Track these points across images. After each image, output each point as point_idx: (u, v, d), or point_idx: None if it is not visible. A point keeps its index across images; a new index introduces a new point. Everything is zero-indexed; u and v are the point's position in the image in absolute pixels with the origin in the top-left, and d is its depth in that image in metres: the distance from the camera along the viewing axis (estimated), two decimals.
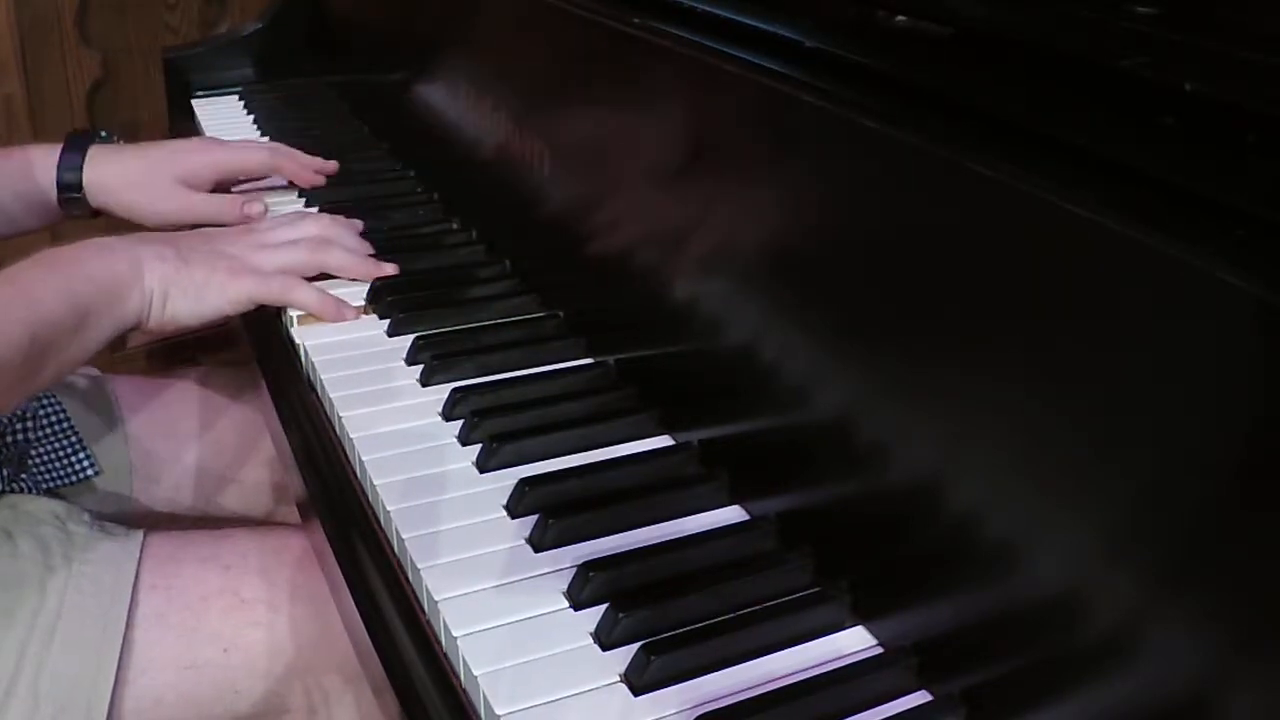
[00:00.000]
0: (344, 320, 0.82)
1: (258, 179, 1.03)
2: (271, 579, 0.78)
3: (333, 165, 1.04)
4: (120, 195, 0.95)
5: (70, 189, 0.93)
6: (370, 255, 0.87)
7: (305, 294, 0.82)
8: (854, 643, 0.53)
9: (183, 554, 0.78)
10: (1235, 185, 0.39)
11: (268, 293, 0.81)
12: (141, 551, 0.76)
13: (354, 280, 0.85)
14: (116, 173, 0.94)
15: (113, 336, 0.76)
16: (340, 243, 0.86)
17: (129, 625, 0.73)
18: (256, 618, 0.76)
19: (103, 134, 0.98)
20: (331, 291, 0.83)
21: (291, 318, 0.82)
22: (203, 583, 0.77)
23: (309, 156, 1.02)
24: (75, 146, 0.93)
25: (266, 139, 1.03)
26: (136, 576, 0.75)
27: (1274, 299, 0.35)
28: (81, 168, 0.93)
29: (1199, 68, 0.43)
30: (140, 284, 0.76)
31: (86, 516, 0.79)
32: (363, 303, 0.84)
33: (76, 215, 0.95)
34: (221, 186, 1.00)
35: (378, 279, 0.85)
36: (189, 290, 0.78)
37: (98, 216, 0.96)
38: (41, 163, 0.93)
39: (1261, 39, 0.45)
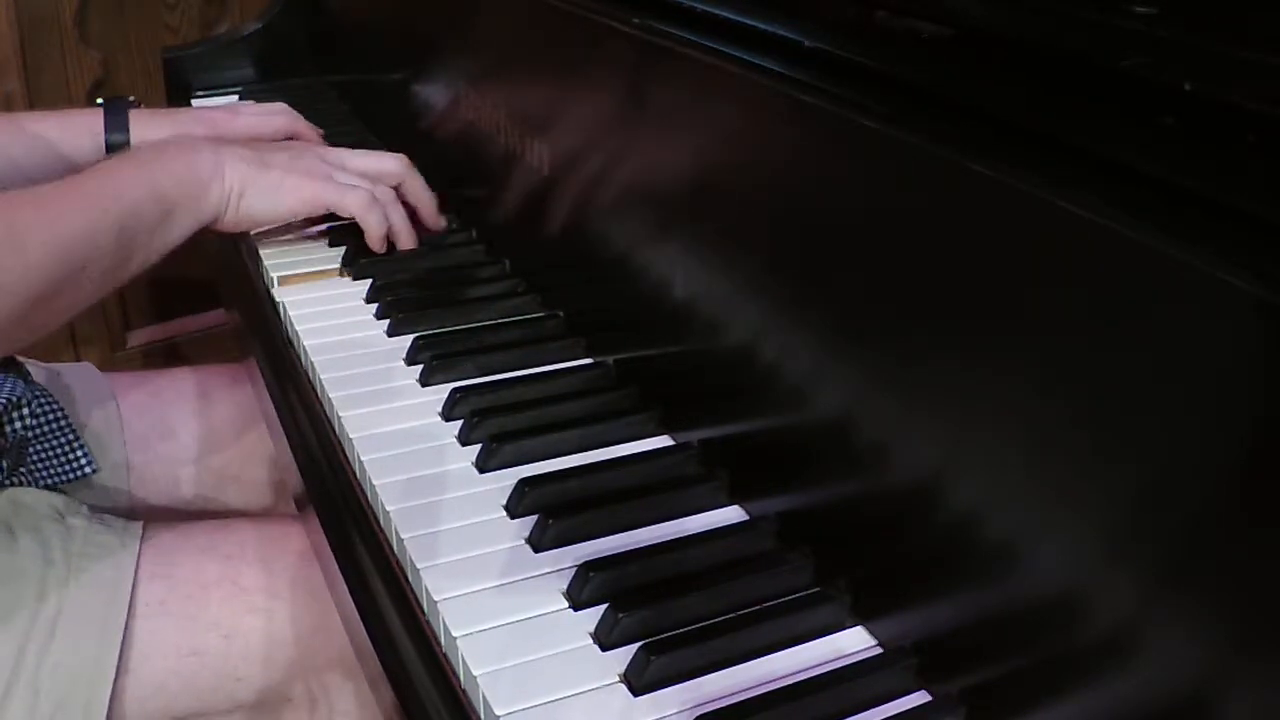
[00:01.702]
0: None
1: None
2: (271, 568, 0.78)
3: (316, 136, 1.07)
4: None
5: (118, 150, 0.94)
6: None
7: (375, 218, 0.86)
8: (854, 643, 0.53)
9: (182, 543, 0.79)
10: (1235, 185, 0.39)
11: (341, 200, 0.85)
12: (141, 542, 0.77)
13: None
14: (166, 135, 0.96)
15: (193, 230, 0.79)
16: (416, 175, 0.91)
17: (129, 615, 0.74)
18: (256, 604, 0.77)
19: (131, 99, 1.00)
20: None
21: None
22: (202, 571, 0.77)
23: (306, 122, 1.06)
24: (117, 110, 0.96)
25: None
26: (136, 566, 0.75)
27: (1274, 299, 0.35)
28: (127, 130, 0.95)
29: (1199, 68, 0.43)
30: (221, 181, 0.80)
31: (85, 509, 0.80)
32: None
33: None
34: None
35: (376, 277, 0.87)
36: (264, 189, 0.82)
37: None
38: (82, 126, 0.94)
39: (1261, 39, 0.45)
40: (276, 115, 1.05)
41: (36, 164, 0.92)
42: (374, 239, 0.87)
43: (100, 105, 0.96)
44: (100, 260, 0.71)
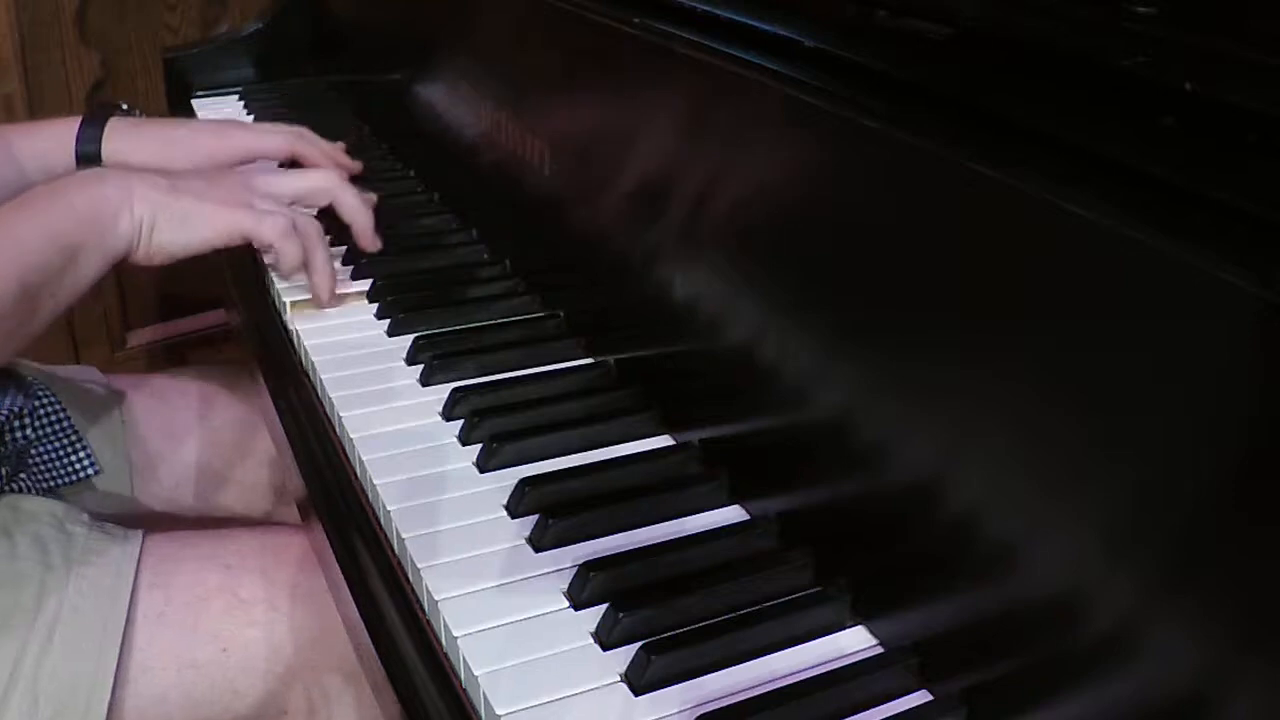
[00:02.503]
0: (329, 297, 0.82)
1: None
2: (271, 578, 0.78)
3: (356, 165, 1.00)
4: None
5: (89, 161, 0.92)
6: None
7: (290, 249, 0.80)
8: (854, 643, 0.53)
9: (182, 553, 0.78)
10: (1235, 185, 0.39)
11: (257, 228, 0.79)
12: (141, 551, 0.76)
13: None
14: (134, 148, 0.93)
15: (105, 269, 0.74)
16: (350, 188, 0.86)
17: (128, 624, 0.73)
18: (256, 617, 0.76)
19: (124, 106, 0.97)
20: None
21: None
22: (202, 582, 0.77)
23: (331, 144, 0.99)
24: (95, 120, 0.93)
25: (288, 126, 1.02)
26: (136, 576, 0.75)
27: (1274, 299, 0.35)
28: (100, 140, 0.92)
29: (1199, 68, 0.43)
30: (130, 211, 0.75)
31: (85, 517, 0.79)
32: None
33: None
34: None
35: (376, 277, 0.86)
36: (176, 218, 0.77)
37: None
38: (63, 135, 0.92)
39: (1261, 39, 0.45)
40: (276, 135, 0.98)
41: (11, 178, 0.89)
42: (284, 268, 0.82)
43: (89, 108, 0.94)
44: (2, 323, 0.66)
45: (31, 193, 0.73)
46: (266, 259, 0.85)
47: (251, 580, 0.77)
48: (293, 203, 0.85)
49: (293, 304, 0.82)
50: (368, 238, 0.87)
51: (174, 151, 0.94)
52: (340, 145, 1.00)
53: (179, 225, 0.77)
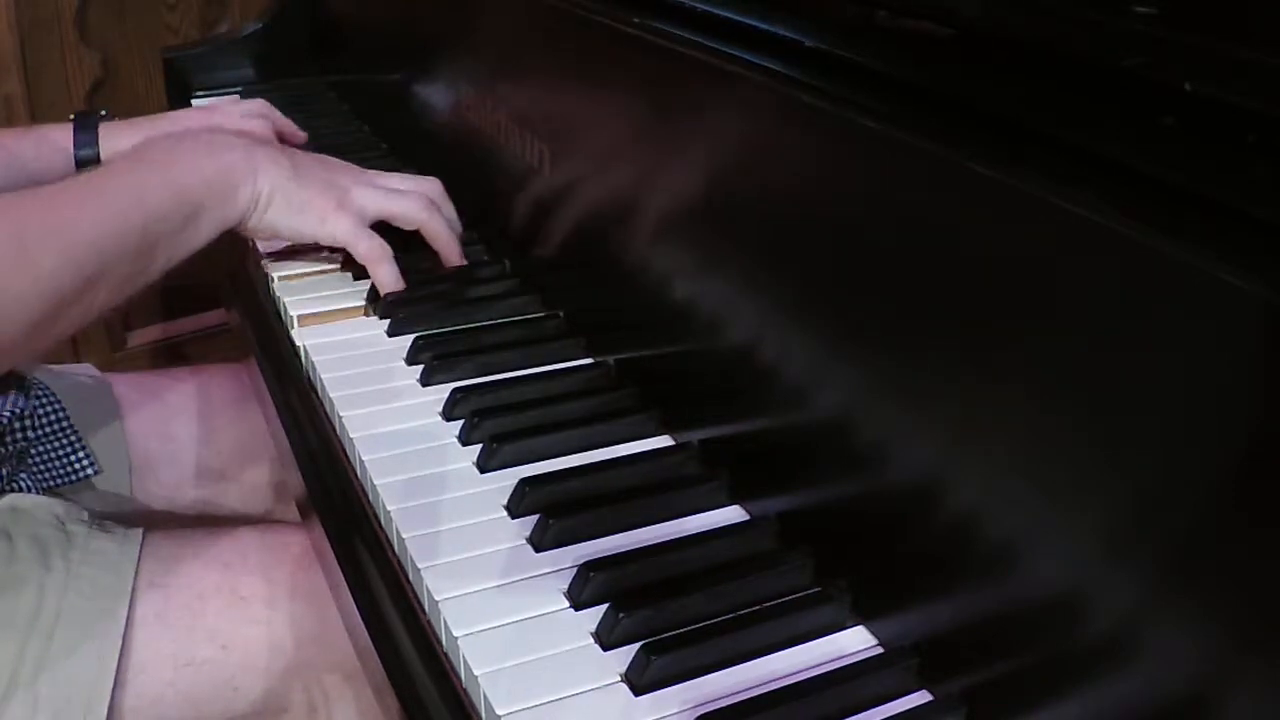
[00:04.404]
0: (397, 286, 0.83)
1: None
2: (270, 577, 0.78)
3: (301, 136, 1.07)
4: None
5: (88, 165, 0.94)
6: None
7: (387, 271, 0.83)
8: (854, 643, 0.53)
9: (181, 552, 0.78)
10: (1235, 185, 0.39)
11: (358, 245, 0.82)
12: (140, 550, 0.76)
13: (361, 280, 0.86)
14: (132, 144, 0.94)
15: (218, 233, 0.77)
16: (445, 211, 0.87)
17: (127, 624, 0.73)
18: (255, 615, 0.76)
19: (103, 112, 0.99)
20: (330, 294, 0.84)
21: (293, 318, 0.82)
22: (201, 580, 0.77)
23: (284, 118, 1.06)
24: (86, 125, 0.95)
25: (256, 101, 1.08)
26: (135, 575, 0.75)
27: (1274, 299, 0.35)
28: (96, 144, 0.94)
29: (1199, 68, 0.43)
30: (253, 182, 0.77)
31: (85, 516, 0.79)
32: (363, 302, 0.84)
33: None
34: None
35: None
36: (294, 203, 0.79)
37: None
38: (57, 142, 0.94)
39: (1261, 39, 0.45)
40: (256, 117, 1.02)
41: (10, 183, 0.90)
42: (382, 283, 0.83)
43: (72, 120, 0.96)
44: (119, 267, 0.69)
45: (148, 145, 0.76)
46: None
47: (251, 578, 0.77)
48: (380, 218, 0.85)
49: (300, 318, 0.82)
50: (454, 259, 0.88)
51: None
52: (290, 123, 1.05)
53: (294, 211, 0.80)
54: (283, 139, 1.03)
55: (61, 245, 0.66)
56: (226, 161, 0.77)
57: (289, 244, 0.89)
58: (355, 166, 0.89)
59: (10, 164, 0.92)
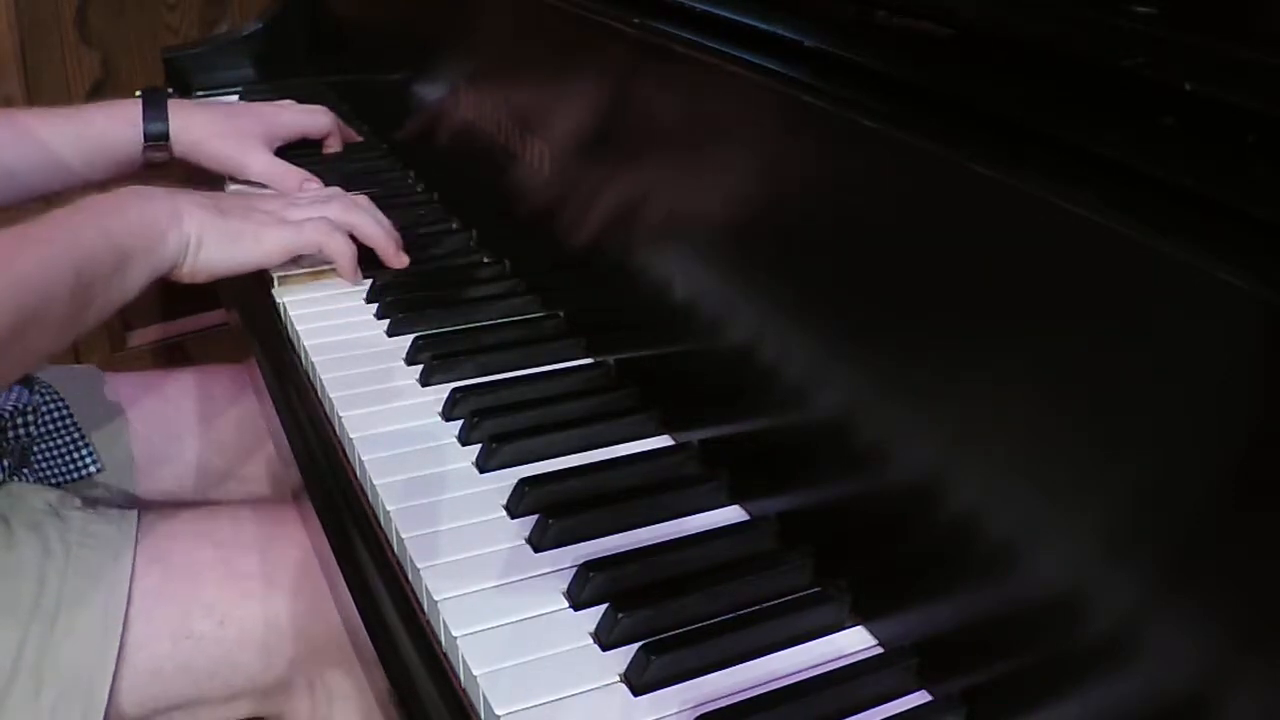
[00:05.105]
0: (359, 283, 0.85)
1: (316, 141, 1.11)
2: (268, 555, 0.78)
3: (355, 137, 1.15)
4: (208, 144, 1.00)
5: (157, 138, 0.97)
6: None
7: (339, 242, 0.84)
8: (854, 643, 0.53)
9: (178, 529, 0.79)
10: (1235, 185, 0.39)
11: (300, 239, 0.83)
12: (137, 530, 0.77)
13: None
14: (204, 122, 1.00)
15: (150, 280, 0.78)
16: (370, 214, 0.88)
17: (126, 601, 0.73)
18: (252, 590, 0.77)
19: (170, 90, 1.02)
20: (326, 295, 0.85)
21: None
22: (197, 555, 0.77)
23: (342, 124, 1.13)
24: (154, 101, 0.98)
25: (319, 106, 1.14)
26: (134, 554, 0.75)
27: (1274, 299, 0.35)
28: (165, 119, 0.97)
29: (1199, 68, 0.43)
30: (179, 229, 0.78)
31: (79, 502, 0.80)
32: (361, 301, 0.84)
33: (158, 161, 0.99)
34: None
35: (376, 277, 0.86)
36: (224, 238, 0.80)
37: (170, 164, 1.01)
38: (119, 117, 0.96)
39: (1261, 39, 0.45)
40: (319, 114, 1.09)
41: (83, 157, 0.94)
42: (343, 268, 0.84)
43: (139, 96, 0.98)
44: (56, 309, 0.68)
45: (90, 199, 0.76)
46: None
47: (248, 555, 0.78)
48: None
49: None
50: (391, 259, 0.88)
51: (243, 129, 1.01)
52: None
53: (228, 242, 0.80)
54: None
55: (3, 283, 0.65)
56: (151, 210, 0.77)
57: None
58: (277, 193, 0.94)
59: (82, 134, 0.95)
